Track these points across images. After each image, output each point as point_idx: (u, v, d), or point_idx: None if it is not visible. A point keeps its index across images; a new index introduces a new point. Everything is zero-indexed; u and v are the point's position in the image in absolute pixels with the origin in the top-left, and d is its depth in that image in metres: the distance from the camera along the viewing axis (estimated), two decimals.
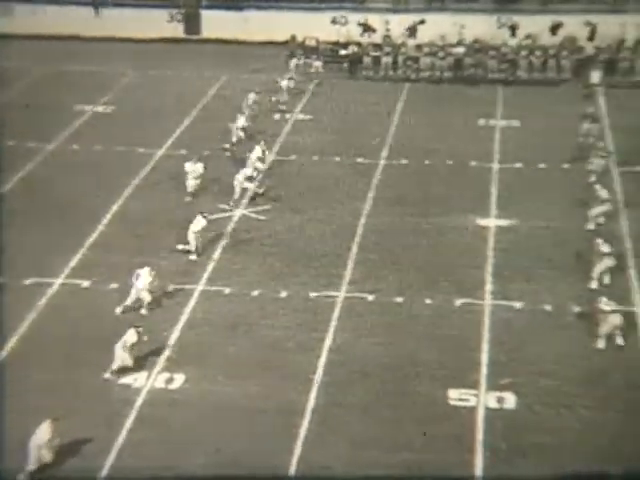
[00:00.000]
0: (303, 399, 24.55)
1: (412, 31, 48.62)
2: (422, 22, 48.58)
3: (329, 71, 47.04)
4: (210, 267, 30.41)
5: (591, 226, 32.02)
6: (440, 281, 29.54)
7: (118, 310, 27.84)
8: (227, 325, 27.55)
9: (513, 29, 48.61)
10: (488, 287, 29.18)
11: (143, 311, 27.88)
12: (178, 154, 37.90)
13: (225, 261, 30.81)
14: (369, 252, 31.27)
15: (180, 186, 34.55)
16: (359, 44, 48.42)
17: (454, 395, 24.69)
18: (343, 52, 48.23)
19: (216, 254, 31.17)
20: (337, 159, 37.75)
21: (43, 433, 22.11)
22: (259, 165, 35.90)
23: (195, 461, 22.55)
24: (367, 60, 47.86)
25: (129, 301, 28.00)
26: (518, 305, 28.31)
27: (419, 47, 47.79)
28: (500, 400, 24.56)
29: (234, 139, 38.51)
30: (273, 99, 43.01)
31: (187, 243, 30.81)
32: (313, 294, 28.95)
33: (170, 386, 25.23)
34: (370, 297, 28.81)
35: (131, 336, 25.49)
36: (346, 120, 41.72)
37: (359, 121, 41.74)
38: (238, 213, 33.63)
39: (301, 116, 42.42)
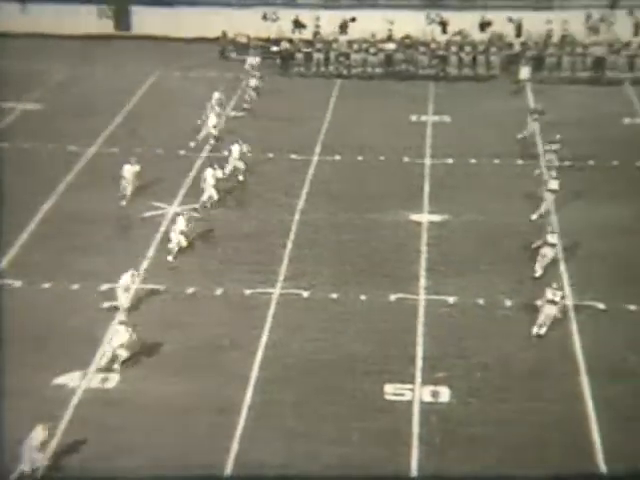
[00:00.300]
0: (239, 397, 24.53)
1: (343, 27, 48.77)
2: (353, 20, 48.73)
3: (260, 68, 46.93)
4: (145, 265, 30.26)
5: (534, 216, 32.27)
6: (374, 276, 29.70)
7: (105, 304, 27.72)
8: (162, 324, 27.42)
9: (443, 25, 48.99)
10: (422, 282, 29.41)
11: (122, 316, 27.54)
12: (111, 152, 37.63)
13: (160, 259, 30.67)
14: (304, 248, 31.35)
15: (114, 184, 34.24)
16: (290, 40, 48.46)
17: (390, 390, 24.83)
18: (275, 48, 48.22)
19: (150, 252, 31.01)
20: (270, 155, 37.73)
21: (37, 436, 21.97)
22: (240, 164, 35.78)
23: (130, 461, 22.40)
24: (299, 56, 47.89)
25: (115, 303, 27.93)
26: (452, 299, 28.57)
27: (350, 43, 47.93)
28: (435, 394, 24.76)
29: (200, 136, 38.46)
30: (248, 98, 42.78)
31: (177, 243, 30.75)
32: (248, 291, 28.94)
33: (105, 386, 25.07)
34: (305, 293, 28.88)
35: (122, 334, 25.49)
36: (279, 116, 41.70)
37: (292, 117, 41.75)
38: (172, 211, 33.50)
39: (233, 113, 42.31)
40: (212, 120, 38.86)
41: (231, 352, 26.25)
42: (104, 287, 28.79)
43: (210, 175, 33.72)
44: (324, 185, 35.53)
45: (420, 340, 26.77)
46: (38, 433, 22.09)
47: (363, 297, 28.67)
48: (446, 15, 49.03)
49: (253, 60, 46.32)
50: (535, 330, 27.00)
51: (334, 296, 28.71)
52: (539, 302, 27.35)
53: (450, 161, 37.47)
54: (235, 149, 35.86)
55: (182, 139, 38.51)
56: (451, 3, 50.21)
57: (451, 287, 29.07)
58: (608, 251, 30.83)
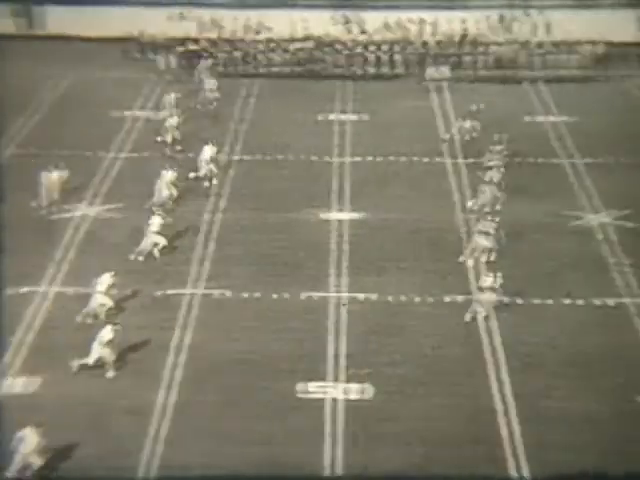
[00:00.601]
0: (157, 398, 24.43)
1: (261, 27, 48.77)
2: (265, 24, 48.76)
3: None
4: (57, 268, 29.96)
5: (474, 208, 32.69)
6: (291, 275, 29.79)
7: (78, 318, 27.30)
8: (79, 326, 27.16)
9: (356, 25, 49.29)
10: (340, 280, 29.56)
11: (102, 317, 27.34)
12: (27, 154, 37.11)
13: (73, 261, 30.42)
14: (221, 248, 31.31)
15: (31, 187, 33.67)
16: (196, 40, 48.15)
17: (308, 388, 24.93)
18: (181, 49, 47.86)
19: (59, 254, 30.73)
20: (190, 155, 37.59)
21: (31, 439, 21.86)
22: (212, 167, 35.66)
23: (49, 464, 22.17)
24: (219, 56, 47.72)
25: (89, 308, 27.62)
26: (371, 297, 28.76)
27: (263, 43, 47.89)
28: (355, 391, 24.90)
29: (169, 139, 38.32)
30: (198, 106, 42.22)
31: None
32: (169, 291, 28.85)
33: (26, 390, 24.79)
34: (223, 293, 28.85)
35: (107, 333, 25.29)
36: (195, 116, 41.52)
37: (209, 117, 41.62)
38: (80, 212, 33.19)
39: (144, 114, 42.02)
40: (174, 120, 38.76)
41: (149, 353, 26.11)
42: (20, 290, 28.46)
43: (168, 177, 33.73)
44: (242, 185, 35.45)
45: (340, 338, 26.91)
46: (32, 436, 21.93)
47: (280, 296, 28.73)
48: (359, 14, 49.34)
49: (205, 63, 46.08)
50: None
51: (250, 295, 28.68)
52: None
53: (369, 159, 37.72)
54: (207, 150, 35.85)
55: (103, 141, 38.19)
56: (365, 3, 50.55)
57: (370, 285, 29.25)
58: (520, 247, 31.26)
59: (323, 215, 33.45)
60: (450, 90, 45.24)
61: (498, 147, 36.28)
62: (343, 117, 41.95)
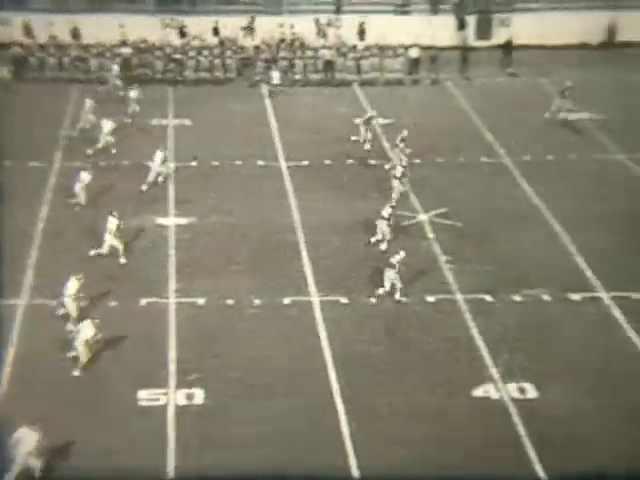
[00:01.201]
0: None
1: (75, 33, 47.97)
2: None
3: None
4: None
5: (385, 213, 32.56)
6: (124, 282, 29.44)
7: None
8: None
9: (179, 30, 49.10)
10: (172, 285, 29.35)
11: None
12: None
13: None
14: (47, 257, 30.63)
15: None
16: (22, 45, 47.12)
17: (144, 395, 24.67)
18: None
19: None
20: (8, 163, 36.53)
21: (30, 440, 21.67)
22: (162, 170, 35.54)
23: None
24: (33, 61, 46.71)
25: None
26: (202, 301, 28.65)
27: (86, 48, 47.15)
28: (189, 396, 24.75)
29: (100, 145, 37.67)
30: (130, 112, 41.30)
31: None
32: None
33: None
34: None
35: (87, 328, 25.27)
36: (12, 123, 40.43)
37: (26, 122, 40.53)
38: None
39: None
40: (108, 125, 38.16)
41: None
42: None
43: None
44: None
45: (172, 344, 26.70)
46: (29, 437, 21.69)
47: (114, 303, 28.37)
48: (182, 19, 49.23)
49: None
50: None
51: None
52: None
53: (194, 164, 37.58)
54: (158, 156, 35.57)
55: None
56: (186, 8, 50.44)
57: (200, 289, 29.14)
58: (347, 246, 31.74)
59: (151, 220, 33.13)
60: (279, 94, 45.47)
61: (401, 144, 36.65)
62: (165, 122, 41.56)
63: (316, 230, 32.73)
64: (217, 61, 47.77)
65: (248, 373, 25.61)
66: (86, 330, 25.57)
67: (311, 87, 47.02)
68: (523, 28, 50.35)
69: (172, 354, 26.28)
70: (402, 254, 28.85)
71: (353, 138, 39.31)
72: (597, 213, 33.87)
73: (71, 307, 27.32)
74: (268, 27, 48.98)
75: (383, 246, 31.16)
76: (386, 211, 31.59)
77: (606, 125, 41.68)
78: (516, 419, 23.90)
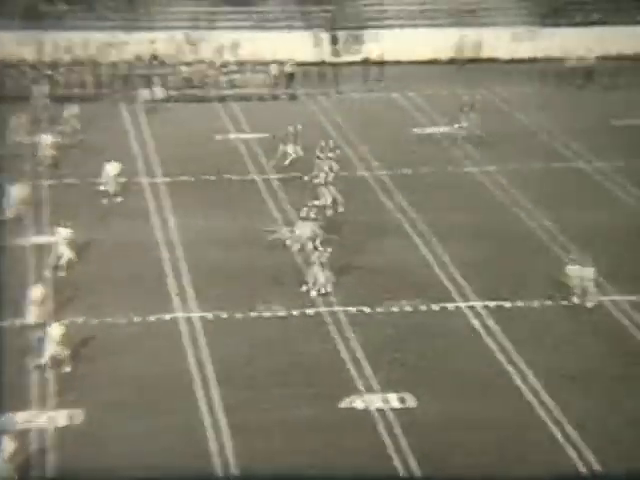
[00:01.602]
0: None
1: None
2: None
3: None
4: None
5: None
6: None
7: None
8: None
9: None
10: (50, 305, 28.67)
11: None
12: None
13: None
14: None
15: None
16: None
17: (19, 419, 24.00)
18: None
19: None
20: None
21: (7, 448, 21.77)
22: (119, 180, 35.89)
23: None
24: None
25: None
26: (81, 320, 28.26)
27: None
28: (65, 417, 24.28)
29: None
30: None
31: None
32: None
33: None
34: None
35: (57, 330, 25.47)
36: None
37: None
38: None
39: None
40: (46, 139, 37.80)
41: None
42: None
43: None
44: None
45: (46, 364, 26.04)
46: (6, 445, 21.68)
47: None
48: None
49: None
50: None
51: None
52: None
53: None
54: (109, 168, 35.50)
55: None
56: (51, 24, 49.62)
57: (78, 307, 28.77)
58: (219, 263, 31.72)
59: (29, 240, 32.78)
60: (160, 110, 45.40)
61: (330, 154, 36.86)
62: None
63: (194, 246, 32.63)
64: (89, 77, 47.30)
65: (122, 393, 25.19)
66: (54, 331, 25.82)
67: (180, 103, 46.99)
68: (391, 44, 51.43)
69: (46, 375, 25.74)
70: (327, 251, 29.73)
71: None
72: (458, 224, 34.69)
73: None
74: (139, 43, 48.79)
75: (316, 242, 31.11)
76: (306, 212, 32.06)
77: (460, 138, 42.76)
78: (396, 429, 24.08)
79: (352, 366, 26.53)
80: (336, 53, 51.10)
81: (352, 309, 29.24)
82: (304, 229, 31.87)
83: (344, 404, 25.00)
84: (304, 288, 29.83)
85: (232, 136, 43.31)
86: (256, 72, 48.71)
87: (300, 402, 25.01)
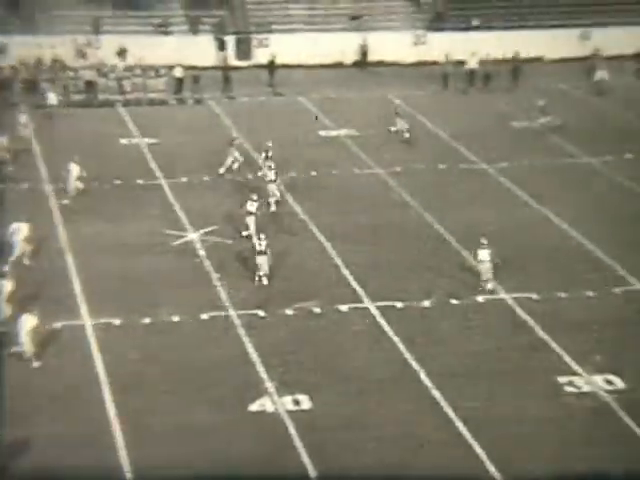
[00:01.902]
0: None
1: None
2: None
3: None
4: None
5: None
6: None
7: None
8: None
9: None
10: None
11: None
12: None
13: None
14: None
15: None
16: None
17: None
18: None
19: None
20: None
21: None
22: (79, 184, 35.86)
23: None
24: None
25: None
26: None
27: None
28: None
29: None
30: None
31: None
32: None
33: None
34: None
35: (29, 321, 25.80)
36: None
37: None
38: None
39: None
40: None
41: None
42: None
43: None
44: None
45: None
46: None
47: None
48: None
49: None
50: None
51: None
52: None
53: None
54: (74, 168, 35.50)
55: None
56: None
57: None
58: (117, 268, 31.88)
59: None
60: (56, 116, 45.23)
61: (268, 162, 37.40)
62: None
63: (87, 253, 32.72)
64: None
65: (22, 399, 25.02)
66: (27, 322, 26.00)
67: (74, 108, 46.80)
68: (283, 49, 51.96)
69: None
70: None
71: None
72: (359, 226, 35.25)
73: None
74: (25, 47, 48.33)
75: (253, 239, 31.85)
76: (253, 206, 32.93)
77: (361, 140, 43.44)
78: (292, 430, 24.32)
79: (249, 369, 26.75)
80: (224, 59, 51.40)
81: (249, 312, 29.55)
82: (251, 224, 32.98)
83: (252, 407, 25.16)
84: (257, 278, 30.65)
85: (135, 141, 43.44)
86: (157, 76, 48.78)
87: (195, 407, 25.11)
